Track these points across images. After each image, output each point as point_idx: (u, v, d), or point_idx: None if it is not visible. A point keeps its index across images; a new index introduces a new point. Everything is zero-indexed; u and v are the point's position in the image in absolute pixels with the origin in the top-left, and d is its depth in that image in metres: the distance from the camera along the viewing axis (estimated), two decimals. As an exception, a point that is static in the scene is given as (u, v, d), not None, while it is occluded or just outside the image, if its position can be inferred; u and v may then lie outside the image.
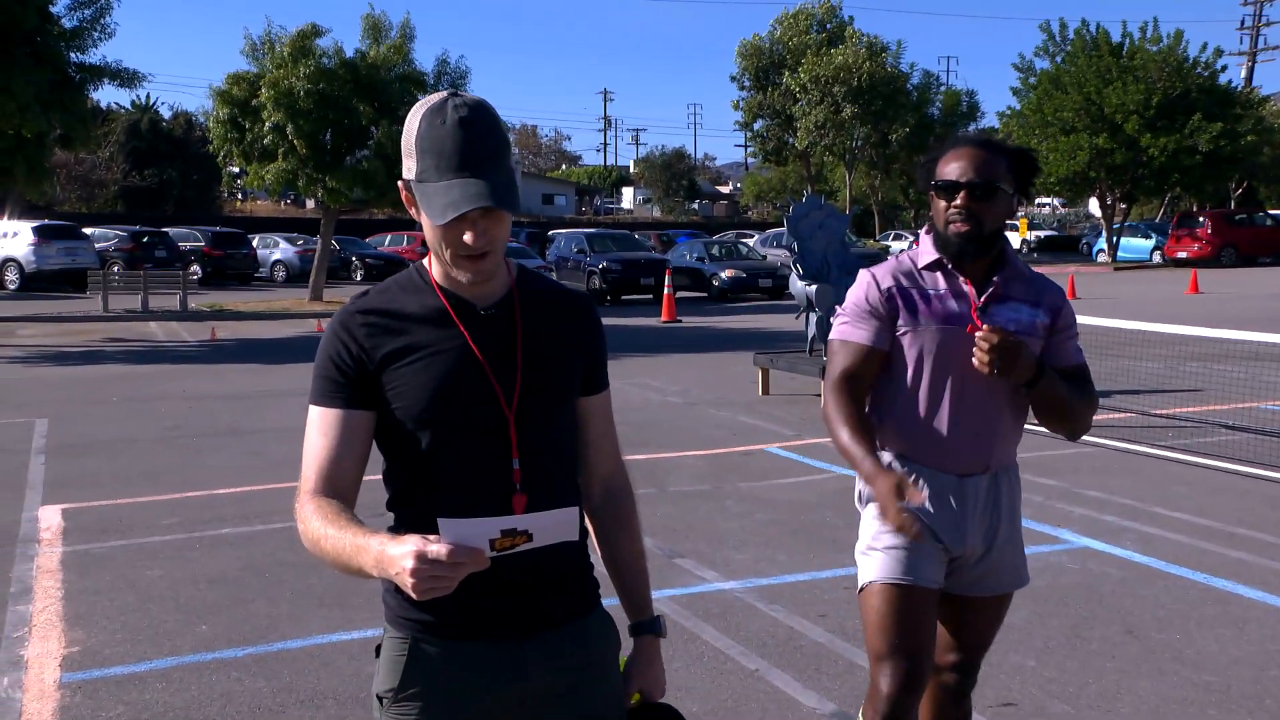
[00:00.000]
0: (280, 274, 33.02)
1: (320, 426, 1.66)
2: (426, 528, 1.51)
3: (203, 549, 5.44)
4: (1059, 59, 35.74)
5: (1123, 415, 8.81)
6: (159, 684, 3.84)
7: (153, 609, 4.60)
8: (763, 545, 5.43)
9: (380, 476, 1.74)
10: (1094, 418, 2.42)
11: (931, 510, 2.37)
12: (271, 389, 11.18)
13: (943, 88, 50.18)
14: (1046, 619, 4.35)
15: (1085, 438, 7.74)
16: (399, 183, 1.66)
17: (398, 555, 1.39)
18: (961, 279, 2.37)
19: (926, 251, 2.41)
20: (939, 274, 2.38)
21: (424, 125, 1.58)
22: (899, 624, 2.32)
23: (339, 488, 1.63)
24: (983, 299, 2.35)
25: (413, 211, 1.64)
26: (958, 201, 2.30)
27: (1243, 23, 50.03)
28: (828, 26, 45.01)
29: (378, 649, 1.72)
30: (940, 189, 2.33)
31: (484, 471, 1.64)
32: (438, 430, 1.63)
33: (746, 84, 46.87)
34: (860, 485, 2.47)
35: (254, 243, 33.08)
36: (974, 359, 2.23)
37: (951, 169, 2.33)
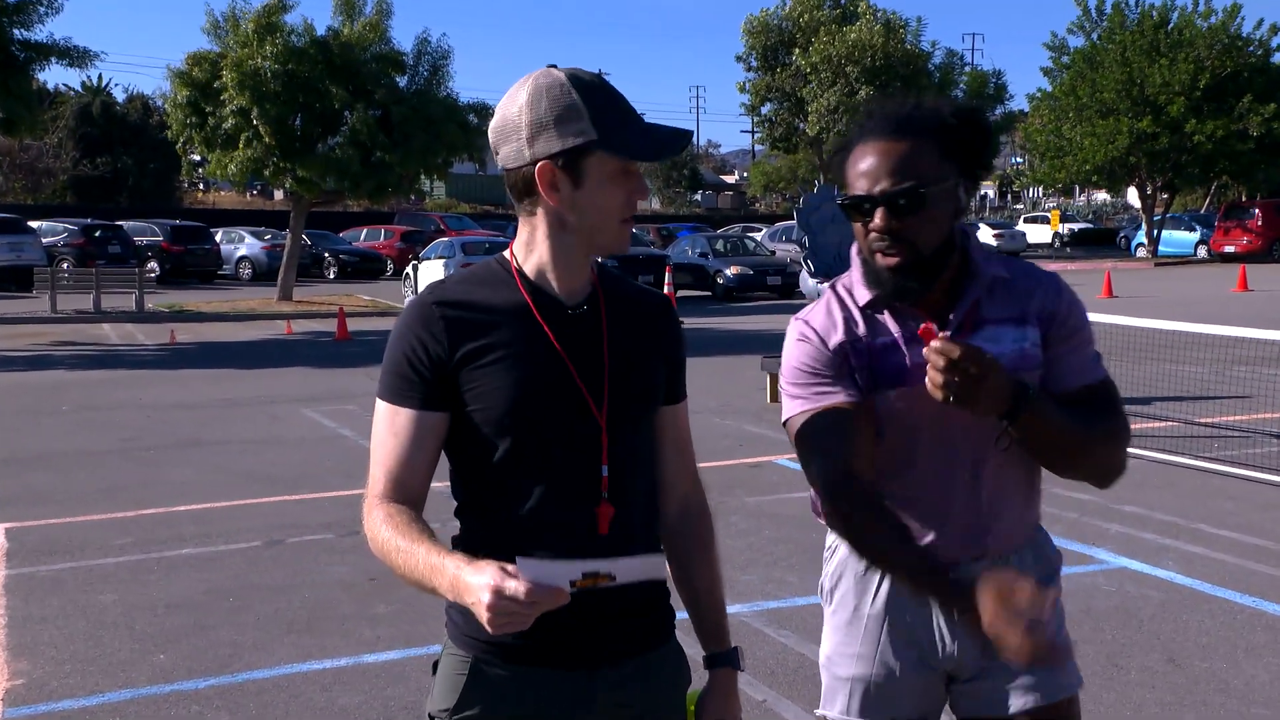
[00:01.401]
0: (246, 271, 33.06)
1: (391, 426, 1.67)
2: (502, 539, 1.64)
3: (161, 571, 5.45)
4: (1095, 36, 35.83)
5: (1163, 424, 8.82)
6: (111, 718, 3.84)
7: (105, 637, 4.60)
8: (771, 565, 5.44)
9: (447, 482, 1.76)
10: (1127, 447, 1.89)
11: (902, 614, 1.97)
12: (236, 397, 11.19)
13: (967, 68, 50.27)
14: (1080, 646, 4.35)
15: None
16: (542, 163, 1.61)
17: (475, 585, 1.43)
18: (916, 311, 1.87)
19: (860, 286, 1.90)
20: (886, 314, 1.88)
21: (563, 92, 1.61)
22: None
23: (409, 492, 1.66)
24: (952, 333, 1.83)
25: (549, 194, 1.63)
26: (876, 223, 1.80)
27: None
28: (842, 2, 45.12)
29: (435, 665, 1.76)
30: (849, 208, 1.83)
31: (568, 481, 1.67)
32: (520, 435, 1.65)
33: (753, 64, 46.95)
34: (824, 578, 2.10)
35: (217, 237, 33.12)
36: (926, 381, 1.70)
37: (860, 175, 1.82)
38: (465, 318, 1.66)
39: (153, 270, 27.81)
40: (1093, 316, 8.67)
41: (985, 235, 43.16)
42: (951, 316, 1.86)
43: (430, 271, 23.36)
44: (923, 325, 1.75)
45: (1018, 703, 1.92)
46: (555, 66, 1.68)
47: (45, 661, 4.35)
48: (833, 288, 1.97)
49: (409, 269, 24.71)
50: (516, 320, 1.66)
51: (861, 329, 1.89)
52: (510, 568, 1.42)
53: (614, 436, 1.69)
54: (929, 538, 1.91)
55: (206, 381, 12.43)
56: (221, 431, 9.29)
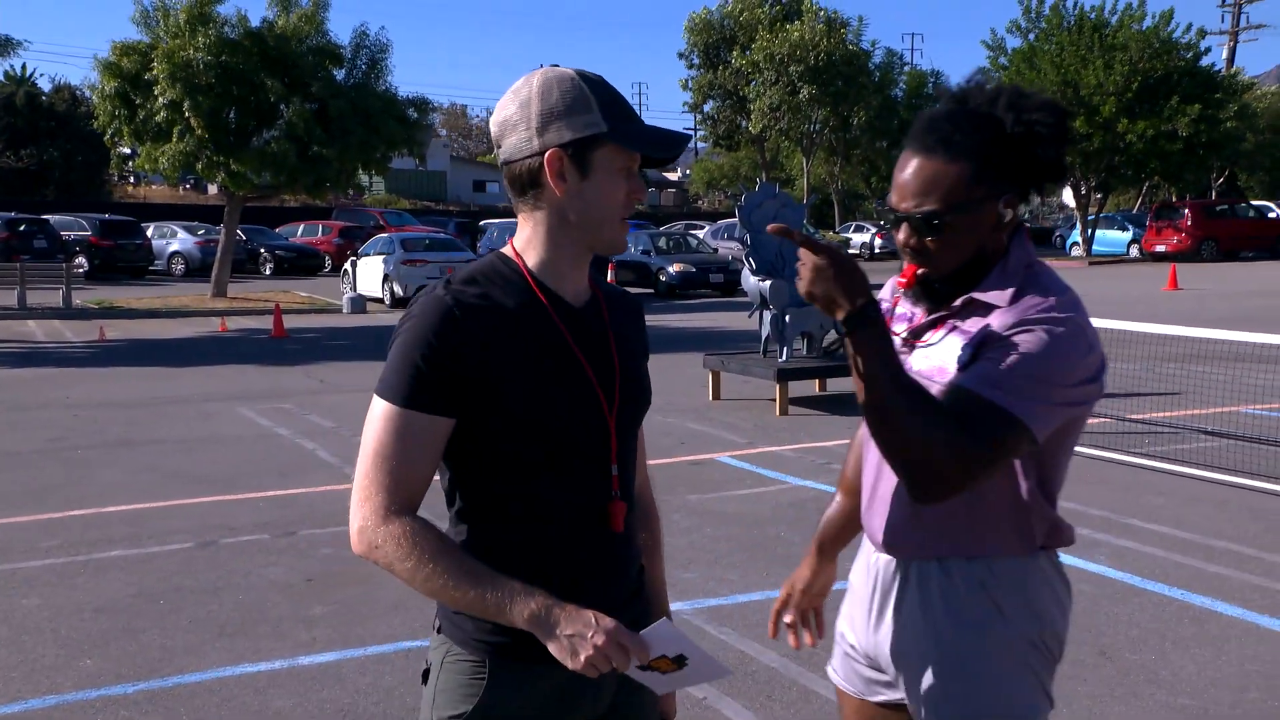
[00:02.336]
0: (179, 267, 32.45)
1: (401, 429, 1.61)
2: (519, 543, 1.66)
3: (89, 574, 5.33)
4: (1033, 36, 36.49)
5: (1096, 420, 9.01)
6: (37, 726, 3.76)
7: (28, 642, 4.50)
8: (712, 563, 5.47)
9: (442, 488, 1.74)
10: (943, 462, 1.67)
11: (855, 583, 2.02)
12: (168, 395, 10.98)
13: (907, 67, 50.89)
14: (1015, 639, 4.44)
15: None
16: (551, 151, 1.62)
17: (587, 623, 1.52)
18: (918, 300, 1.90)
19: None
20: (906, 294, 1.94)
21: (574, 84, 1.65)
22: None
23: (414, 500, 1.63)
24: (916, 326, 1.88)
25: (557, 181, 1.64)
26: (899, 236, 1.83)
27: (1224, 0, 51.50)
28: (782, 0, 45.42)
29: (425, 674, 1.74)
30: (884, 215, 1.95)
31: (584, 480, 1.70)
32: (543, 438, 1.65)
33: (695, 61, 47.12)
34: None
35: (148, 232, 32.47)
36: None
37: (895, 185, 1.82)
38: (485, 321, 1.63)
39: (81, 265, 27.21)
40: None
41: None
42: (953, 305, 1.83)
43: (369, 268, 23.15)
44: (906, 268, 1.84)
45: (916, 711, 1.89)
46: (557, 66, 1.72)
47: (-34, 668, 4.23)
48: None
49: (347, 265, 24.44)
50: (534, 322, 1.66)
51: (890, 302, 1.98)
52: (609, 621, 1.53)
53: (621, 435, 1.73)
54: (866, 520, 1.96)
55: (137, 379, 12.19)
56: (153, 431, 9.12)
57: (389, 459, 1.61)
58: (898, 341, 1.86)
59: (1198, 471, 7.11)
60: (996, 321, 1.77)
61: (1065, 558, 4.96)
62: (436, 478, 1.70)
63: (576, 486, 1.69)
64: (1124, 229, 38.14)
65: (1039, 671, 1.87)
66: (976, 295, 1.80)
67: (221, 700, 3.94)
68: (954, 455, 1.65)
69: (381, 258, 22.79)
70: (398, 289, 21.89)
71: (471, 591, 1.55)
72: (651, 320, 14.29)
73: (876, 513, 1.91)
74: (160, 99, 20.24)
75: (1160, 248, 34.47)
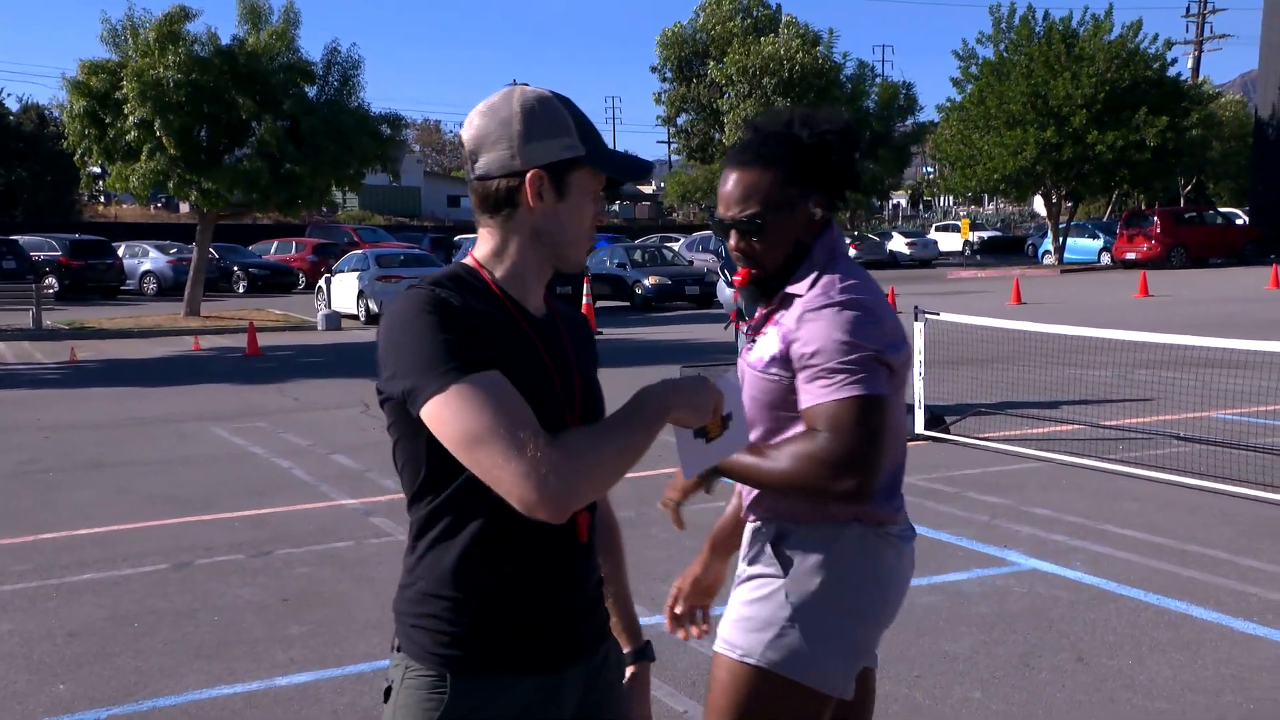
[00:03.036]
0: (151, 286, 32.23)
1: (491, 393, 1.51)
2: (487, 546, 1.64)
3: (61, 598, 5.27)
4: (1003, 46, 36.85)
5: (1071, 427, 9.08)
6: (9, 753, 3.71)
7: (0, 668, 4.44)
8: (691, 576, 5.46)
9: (407, 492, 1.72)
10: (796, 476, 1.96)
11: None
12: (141, 416, 10.89)
13: (878, 79, 51.26)
14: (993, 647, 4.46)
15: (1031, 451, 7.97)
16: (533, 171, 1.65)
17: (698, 380, 1.67)
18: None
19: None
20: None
21: (554, 107, 1.68)
22: None
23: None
24: (749, 330, 2.19)
25: (535, 201, 1.66)
26: (731, 243, 2.12)
27: (1188, 9, 52.20)
28: (754, 14, 45.69)
29: (387, 692, 1.71)
30: (714, 227, 2.20)
31: None
32: None
33: (668, 75, 47.31)
34: None
35: (120, 252, 32.24)
36: None
37: (720, 198, 2.14)
38: (468, 317, 1.60)
39: (51, 286, 26.96)
40: (1002, 323, 8.87)
41: (898, 244, 44.03)
42: (771, 303, 2.13)
43: (344, 284, 23.06)
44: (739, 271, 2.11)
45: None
46: (525, 85, 1.75)
47: (-63, 696, 4.18)
48: None
49: (322, 282, 24.34)
50: (507, 327, 1.66)
51: None
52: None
53: None
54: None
55: (110, 400, 12.08)
56: (126, 452, 9.03)
57: (505, 413, 1.50)
58: (745, 342, 2.17)
59: (1171, 477, 7.17)
60: (796, 310, 2.03)
61: (1044, 565, 4.96)
62: (399, 484, 1.69)
63: None
64: (1095, 237, 38.53)
65: (815, 633, 2.04)
66: (788, 289, 2.09)
67: (197, 723, 3.90)
68: (835, 464, 1.91)
69: (356, 274, 22.72)
70: (372, 305, 21.81)
71: (636, 422, 1.59)
72: (627, 333, 14.38)
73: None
74: (130, 118, 20.13)
75: (1130, 255, 34.83)
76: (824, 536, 2.06)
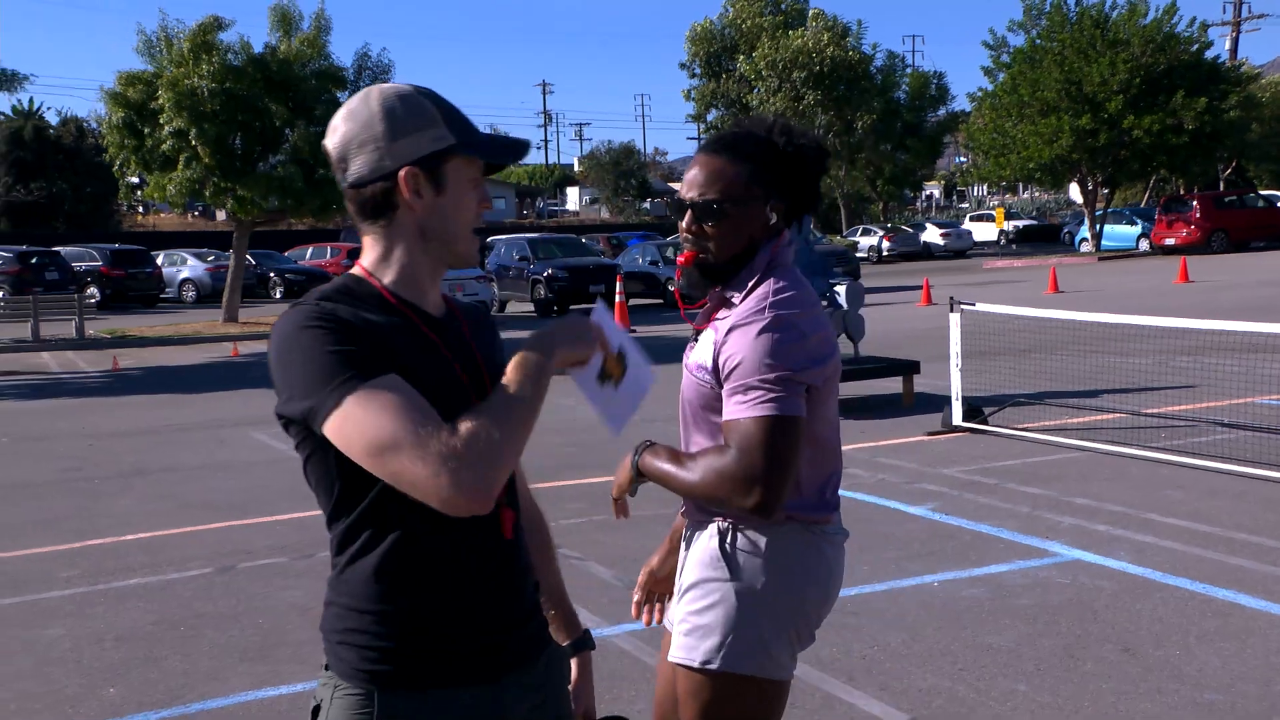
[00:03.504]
0: (190, 294, 32.63)
1: (388, 392, 1.48)
2: (410, 553, 1.59)
3: (108, 603, 5.35)
4: (1034, 34, 36.47)
5: (1111, 416, 8.97)
6: (61, 756, 3.77)
7: (52, 672, 4.51)
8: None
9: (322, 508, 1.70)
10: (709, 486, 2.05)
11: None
12: (183, 422, 11.02)
13: (908, 69, 50.92)
14: (1037, 640, 4.42)
15: (1071, 440, 7.89)
16: (406, 168, 1.60)
17: (566, 318, 1.66)
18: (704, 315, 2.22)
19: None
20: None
21: (416, 100, 1.64)
22: None
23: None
24: (698, 326, 2.23)
25: (413, 198, 1.62)
26: (683, 223, 2.15)
27: (1226, -9, 51.38)
28: (783, 7, 45.51)
29: (315, 710, 1.68)
30: (673, 207, 2.21)
31: None
32: None
33: (698, 71, 47.23)
34: None
35: (159, 260, 32.68)
36: None
37: (684, 182, 2.19)
38: (357, 326, 1.55)
39: (92, 296, 27.35)
40: (1039, 312, 8.81)
41: (932, 235, 43.71)
42: (711, 305, 2.18)
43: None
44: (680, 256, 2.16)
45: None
46: (386, 84, 1.70)
47: (-10, 701, 4.25)
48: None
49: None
50: (405, 333, 1.61)
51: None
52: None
53: None
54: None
55: (151, 407, 12.24)
56: (168, 458, 9.15)
57: (407, 412, 1.47)
58: (691, 338, 2.21)
59: (1215, 464, 7.07)
60: (729, 320, 2.07)
61: (1087, 556, 4.91)
62: (317, 496, 1.65)
63: None
64: (1132, 223, 38.03)
65: (765, 628, 2.12)
66: (726, 292, 2.13)
67: (244, 725, 3.94)
68: (740, 480, 1.99)
69: (390, 278, 22.84)
70: (408, 308, 21.94)
71: (536, 394, 1.56)
72: (660, 330, 14.39)
73: None
74: (166, 127, 20.38)
75: (1170, 241, 34.34)
76: (762, 537, 2.13)
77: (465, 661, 1.63)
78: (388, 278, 1.66)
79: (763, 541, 2.12)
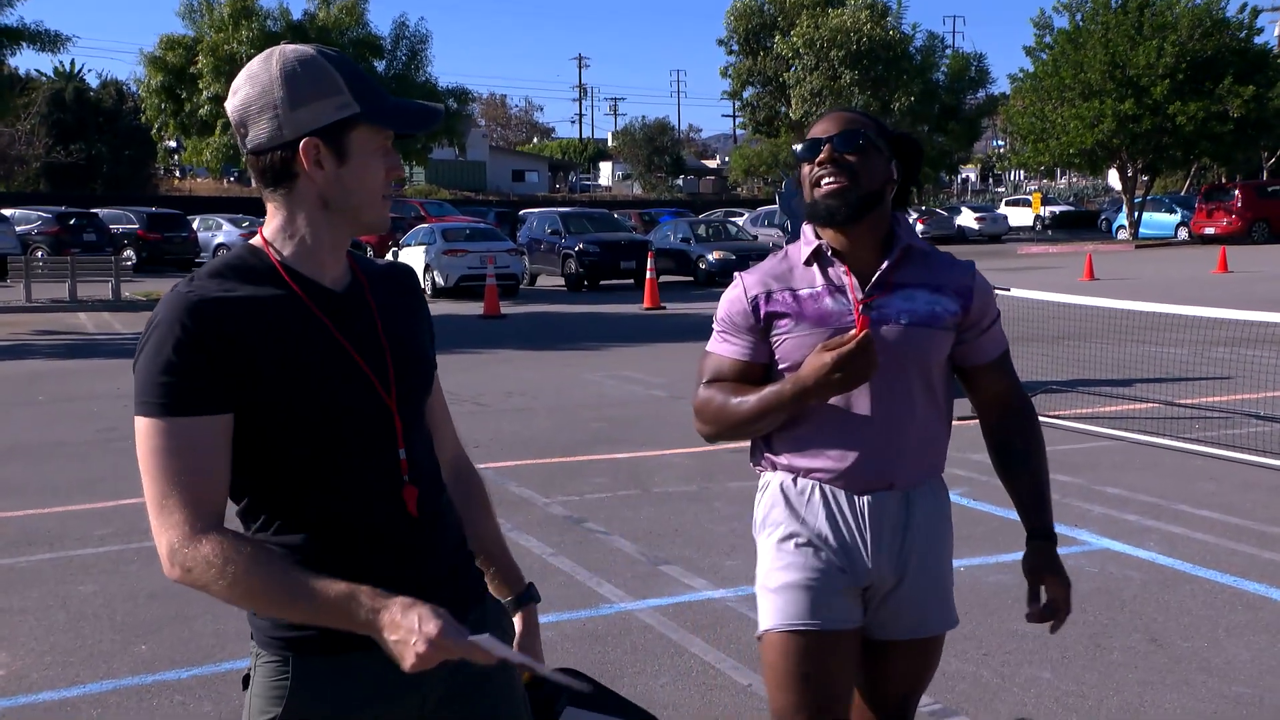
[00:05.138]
0: (223, 259, 32.83)
1: (179, 442, 1.52)
2: (312, 537, 1.60)
3: (141, 561, 5.42)
4: (1079, 16, 35.94)
5: (1145, 405, 8.89)
6: (93, 710, 3.83)
7: (85, 628, 4.59)
8: (755, 550, 5.46)
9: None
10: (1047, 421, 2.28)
11: (829, 533, 2.21)
12: (215, 386, 11.12)
13: (948, 50, 50.34)
14: (1064, 628, 4.39)
15: (1103, 429, 7.82)
16: (306, 139, 1.56)
17: (410, 628, 1.45)
18: (842, 269, 2.20)
19: (807, 242, 2.25)
20: (816, 268, 2.22)
21: (318, 64, 1.58)
22: (804, 679, 2.16)
23: (217, 512, 1.55)
24: (868, 289, 2.18)
25: (314, 169, 1.58)
26: (822, 157, 2.17)
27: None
28: (823, -16, 45.00)
29: (245, 679, 1.69)
30: (803, 152, 2.21)
31: (370, 468, 1.64)
32: (316, 430, 1.59)
33: (735, 48, 46.89)
34: (757, 511, 2.32)
35: (194, 225, 32.86)
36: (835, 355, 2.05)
37: (815, 131, 2.23)
38: (235, 314, 1.54)
39: (129, 258, 27.61)
40: (1074, 299, 8.71)
41: (967, 219, 43.33)
42: (885, 264, 2.19)
43: (410, 258, 23.30)
44: (856, 323, 2.14)
45: (902, 628, 2.26)
46: (290, 44, 1.65)
47: (25, 653, 4.33)
48: (785, 248, 2.32)
49: (389, 255, 24.64)
50: (289, 313, 1.58)
51: (786, 281, 2.22)
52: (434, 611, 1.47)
53: (405, 418, 1.67)
54: (848, 465, 2.19)
55: (185, 370, 12.34)
56: (201, 421, 9.23)
57: (178, 475, 1.52)
58: (852, 302, 2.18)
59: (1250, 457, 6.99)
60: (956, 276, 2.25)
61: (1116, 545, 4.94)
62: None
63: (366, 476, 1.63)
64: (1171, 211, 37.53)
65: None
66: (913, 244, 2.23)
67: (272, 685, 4.00)
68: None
69: (423, 248, 22.93)
70: (439, 279, 22.02)
71: (290, 605, 1.51)
72: (691, 308, 14.38)
73: (860, 461, 2.19)
74: (204, 92, 20.53)
75: (1209, 230, 33.88)
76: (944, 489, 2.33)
77: None
78: (286, 250, 1.62)
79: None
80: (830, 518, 2.21)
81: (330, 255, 1.64)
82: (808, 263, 2.22)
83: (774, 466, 2.28)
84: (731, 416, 2.20)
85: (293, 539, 1.61)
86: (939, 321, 2.18)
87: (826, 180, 2.15)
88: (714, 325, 2.30)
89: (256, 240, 1.64)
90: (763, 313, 2.20)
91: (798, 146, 2.23)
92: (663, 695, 3.82)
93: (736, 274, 2.31)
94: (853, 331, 2.07)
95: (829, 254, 2.21)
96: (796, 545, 2.22)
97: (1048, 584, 2.28)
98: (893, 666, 2.29)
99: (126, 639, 4.46)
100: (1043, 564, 2.28)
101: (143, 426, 1.54)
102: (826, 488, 2.21)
